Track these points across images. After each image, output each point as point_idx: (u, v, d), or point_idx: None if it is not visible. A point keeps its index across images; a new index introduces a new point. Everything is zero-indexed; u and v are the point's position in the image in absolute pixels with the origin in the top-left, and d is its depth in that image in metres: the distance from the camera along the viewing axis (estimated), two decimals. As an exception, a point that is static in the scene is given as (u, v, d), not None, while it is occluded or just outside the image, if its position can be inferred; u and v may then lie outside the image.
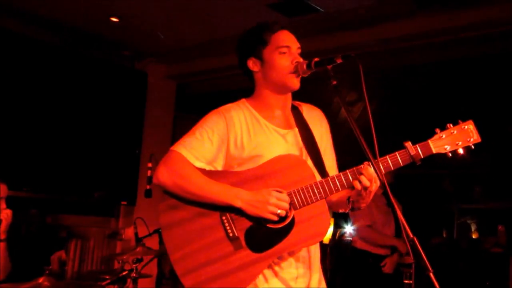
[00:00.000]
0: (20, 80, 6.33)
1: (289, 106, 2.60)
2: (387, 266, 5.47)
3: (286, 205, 2.27)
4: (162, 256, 6.08)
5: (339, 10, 5.62)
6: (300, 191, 2.31)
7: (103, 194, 7.10)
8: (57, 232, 7.14)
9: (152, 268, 7.22)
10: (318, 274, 2.50)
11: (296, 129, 2.54)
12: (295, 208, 2.30)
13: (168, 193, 2.35)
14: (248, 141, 2.42)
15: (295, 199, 2.29)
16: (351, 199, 2.40)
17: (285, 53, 2.47)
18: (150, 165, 5.20)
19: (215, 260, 2.26)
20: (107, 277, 4.80)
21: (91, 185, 6.99)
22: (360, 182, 2.25)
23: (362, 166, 2.28)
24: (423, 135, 2.46)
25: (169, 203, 2.35)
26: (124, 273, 4.67)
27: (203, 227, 2.30)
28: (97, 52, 7.26)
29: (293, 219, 2.31)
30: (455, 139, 2.32)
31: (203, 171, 2.35)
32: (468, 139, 2.32)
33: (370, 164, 2.18)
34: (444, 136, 2.32)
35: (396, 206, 2.05)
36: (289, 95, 2.58)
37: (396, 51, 6.07)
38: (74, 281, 6.75)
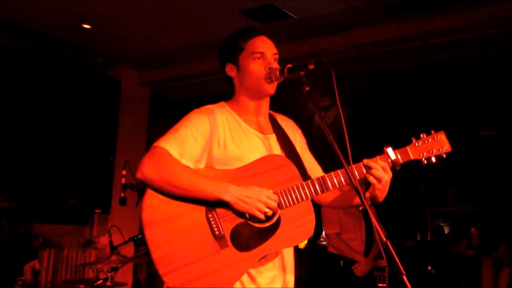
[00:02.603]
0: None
1: (267, 112, 2.64)
2: (358, 270, 5.51)
3: (275, 205, 2.29)
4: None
5: (311, 16, 5.67)
6: (287, 191, 2.35)
7: (77, 202, 7.02)
8: (30, 242, 7.06)
9: (128, 276, 7.17)
10: (291, 275, 2.51)
11: (274, 135, 2.59)
12: (281, 208, 2.33)
13: (153, 189, 2.26)
14: (231, 143, 2.42)
15: (281, 199, 2.32)
16: (367, 195, 2.41)
17: (259, 59, 2.49)
18: (124, 172, 5.16)
19: (200, 259, 2.20)
20: (81, 286, 4.77)
21: (65, 194, 6.91)
22: (373, 176, 2.34)
23: (366, 161, 2.36)
24: (395, 139, 2.54)
25: (153, 200, 2.25)
26: (99, 282, 4.64)
27: (188, 224, 2.24)
28: (70, 59, 7.19)
29: (279, 218, 2.33)
30: (429, 147, 2.44)
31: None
32: (440, 149, 2.45)
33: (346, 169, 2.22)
34: (419, 144, 2.44)
35: (369, 210, 2.08)
36: (266, 101, 2.62)
37: (368, 57, 6.14)
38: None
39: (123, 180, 5.13)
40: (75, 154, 6.97)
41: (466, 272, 9.19)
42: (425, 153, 2.44)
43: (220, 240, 2.24)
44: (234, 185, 2.25)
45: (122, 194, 5.04)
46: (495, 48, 5.73)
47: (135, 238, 5.26)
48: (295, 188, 2.36)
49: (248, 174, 2.35)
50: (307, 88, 2.31)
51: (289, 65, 2.40)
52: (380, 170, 2.34)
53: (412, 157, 2.43)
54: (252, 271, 2.35)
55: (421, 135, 2.47)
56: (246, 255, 2.26)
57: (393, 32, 5.59)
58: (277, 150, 2.54)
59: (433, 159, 2.45)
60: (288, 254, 2.52)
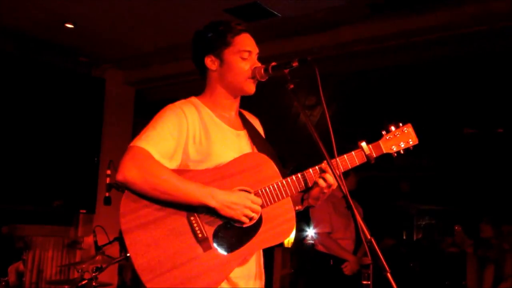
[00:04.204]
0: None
1: (237, 109, 2.62)
2: (347, 269, 5.53)
3: (259, 209, 2.28)
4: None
5: (296, 15, 5.67)
6: (267, 189, 2.34)
7: (61, 203, 6.97)
8: (13, 243, 7.00)
9: (113, 277, 7.14)
10: (254, 280, 2.46)
11: (245, 131, 2.57)
12: (262, 207, 2.31)
13: (133, 192, 2.19)
14: (205, 139, 2.37)
15: (262, 198, 2.31)
16: (305, 198, 2.49)
17: (246, 59, 2.46)
18: (109, 172, 5.13)
19: (184, 263, 2.16)
20: (66, 286, 4.74)
21: (49, 194, 6.86)
22: (324, 180, 2.36)
23: (323, 165, 2.37)
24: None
25: (131, 205, 2.19)
26: (84, 282, 4.61)
27: (169, 228, 2.18)
28: (53, 59, 7.14)
29: (260, 218, 2.31)
30: (398, 140, 2.52)
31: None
32: (408, 141, 2.53)
33: (329, 167, 2.23)
34: (389, 137, 2.52)
35: (354, 209, 2.09)
36: (239, 99, 2.59)
37: (353, 55, 6.16)
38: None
39: (108, 180, 5.10)
40: (59, 154, 6.94)
41: (451, 270, 9.26)
42: (395, 147, 2.51)
43: (203, 242, 2.20)
44: (218, 188, 2.23)
45: (107, 194, 5.01)
46: (480, 46, 5.77)
47: (122, 235, 5.23)
48: (275, 186, 2.35)
49: (228, 173, 2.32)
50: (292, 86, 2.31)
51: (273, 63, 2.39)
52: (331, 176, 2.36)
53: (384, 151, 2.50)
54: (232, 277, 2.31)
55: (390, 128, 2.53)
56: (230, 256, 2.24)
57: (378, 30, 5.62)
58: (249, 146, 2.53)
59: (402, 151, 2.53)
60: (260, 259, 2.52)
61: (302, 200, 2.53)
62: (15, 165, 6.45)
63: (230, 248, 2.25)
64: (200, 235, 2.20)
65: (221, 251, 2.23)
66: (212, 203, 2.19)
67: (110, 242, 5.14)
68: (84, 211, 7.31)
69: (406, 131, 2.54)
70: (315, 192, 2.43)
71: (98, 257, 4.71)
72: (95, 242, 5.11)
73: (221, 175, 2.31)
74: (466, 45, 5.76)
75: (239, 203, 2.22)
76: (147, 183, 2.16)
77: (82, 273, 4.92)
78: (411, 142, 2.54)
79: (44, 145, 6.77)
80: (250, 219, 2.28)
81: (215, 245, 2.23)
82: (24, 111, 6.60)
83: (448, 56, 6.08)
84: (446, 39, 5.57)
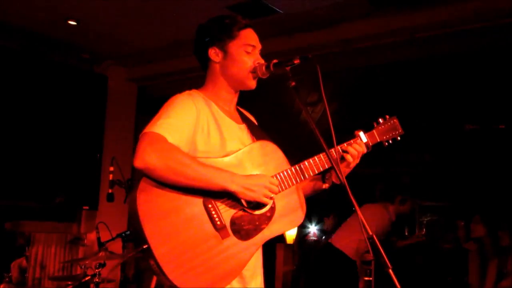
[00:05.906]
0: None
1: (236, 104, 2.64)
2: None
3: (277, 189, 2.31)
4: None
5: (297, 11, 5.67)
6: (279, 176, 2.37)
7: (64, 199, 6.99)
8: (16, 239, 7.03)
9: (116, 273, 7.15)
10: (260, 277, 2.51)
11: (245, 125, 2.59)
12: (276, 193, 2.34)
13: (151, 178, 2.15)
14: (214, 130, 2.38)
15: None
16: (327, 177, 2.57)
17: (250, 53, 2.48)
18: (111, 168, 5.16)
19: (204, 252, 2.16)
20: (69, 282, 4.77)
21: (52, 191, 6.88)
22: (347, 153, 2.53)
23: (343, 145, 2.55)
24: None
25: (148, 193, 2.15)
26: (86, 278, 4.64)
27: (188, 216, 2.18)
28: (56, 56, 7.15)
29: (273, 204, 2.35)
30: (388, 131, 2.73)
31: None
32: (396, 132, 2.74)
33: (329, 157, 2.26)
34: (381, 127, 2.71)
35: (356, 205, 2.10)
36: (238, 94, 2.60)
37: (355, 51, 6.15)
38: (35, 288, 6.67)
39: (111, 177, 5.13)
40: (62, 151, 6.95)
41: (453, 266, 9.24)
42: (385, 136, 2.70)
43: (221, 230, 2.21)
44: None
45: (110, 191, 5.04)
46: (481, 42, 5.76)
47: (123, 234, 5.26)
48: (285, 173, 2.39)
49: (238, 162, 2.34)
50: (293, 83, 2.32)
51: (275, 60, 2.40)
52: (354, 149, 2.54)
53: (378, 139, 2.68)
54: (243, 272, 2.34)
55: (379, 120, 2.73)
56: (248, 244, 2.27)
57: (379, 26, 5.61)
58: (250, 139, 2.54)
59: (391, 141, 2.72)
60: (261, 256, 2.54)
61: (324, 179, 2.59)
62: (18, 162, 6.46)
63: (248, 235, 2.27)
64: (218, 223, 2.21)
65: (239, 239, 2.25)
66: (233, 187, 2.19)
67: (113, 239, 5.17)
68: (87, 207, 7.32)
69: (393, 122, 2.74)
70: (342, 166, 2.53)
71: (101, 254, 4.73)
72: (98, 239, 5.14)
73: (232, 164, 2.32)
74: (468, 41, 5.75)
75: (258, 184, 2.24)
76: (168, 168, 2.13)
77: (85, 269, 4.95)
78: (398, 133, 2.74)
79: (47, 142, 6.78)
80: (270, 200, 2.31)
81: (233, 232, 2.24)
82: (26, 107, 6.61)
83: (449, 52, 6.07)
84: (448, 35, 5.56)
